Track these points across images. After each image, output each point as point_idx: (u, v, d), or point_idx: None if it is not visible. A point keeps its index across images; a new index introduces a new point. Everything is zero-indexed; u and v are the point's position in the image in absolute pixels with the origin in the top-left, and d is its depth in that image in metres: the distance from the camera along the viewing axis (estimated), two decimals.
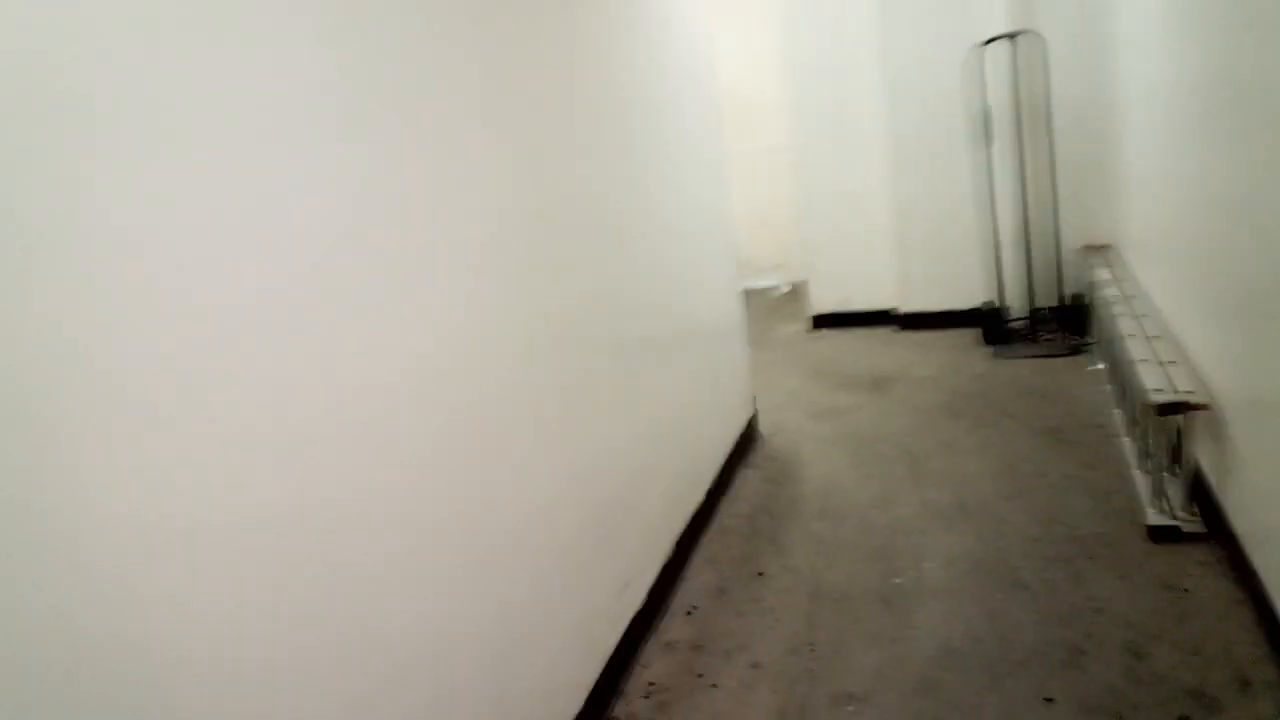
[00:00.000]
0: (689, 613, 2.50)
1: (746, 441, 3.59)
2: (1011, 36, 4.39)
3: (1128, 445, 3.09)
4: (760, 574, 2.65)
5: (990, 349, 4.52)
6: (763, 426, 3.84)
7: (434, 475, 1.52)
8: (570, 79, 2.19)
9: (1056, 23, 4.42)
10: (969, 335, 4.76)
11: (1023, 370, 4.15)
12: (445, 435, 1.56)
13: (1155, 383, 2.62)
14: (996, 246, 4.67)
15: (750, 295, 6.84)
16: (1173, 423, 2.62)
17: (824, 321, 5.43)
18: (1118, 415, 3.35)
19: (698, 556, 2.80)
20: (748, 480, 3.35)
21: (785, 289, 6.70)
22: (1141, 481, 2.80)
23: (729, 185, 3.62)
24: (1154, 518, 2.58)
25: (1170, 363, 2.76)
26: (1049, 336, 4.48)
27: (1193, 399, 2.48)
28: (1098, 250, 4.50)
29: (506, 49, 1.86)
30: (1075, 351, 4.26)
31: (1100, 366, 3.88)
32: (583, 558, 2.10)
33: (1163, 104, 3.19)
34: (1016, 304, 4.67)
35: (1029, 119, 4.49)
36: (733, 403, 3.56)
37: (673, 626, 2.45)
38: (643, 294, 2.67)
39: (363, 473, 1.32)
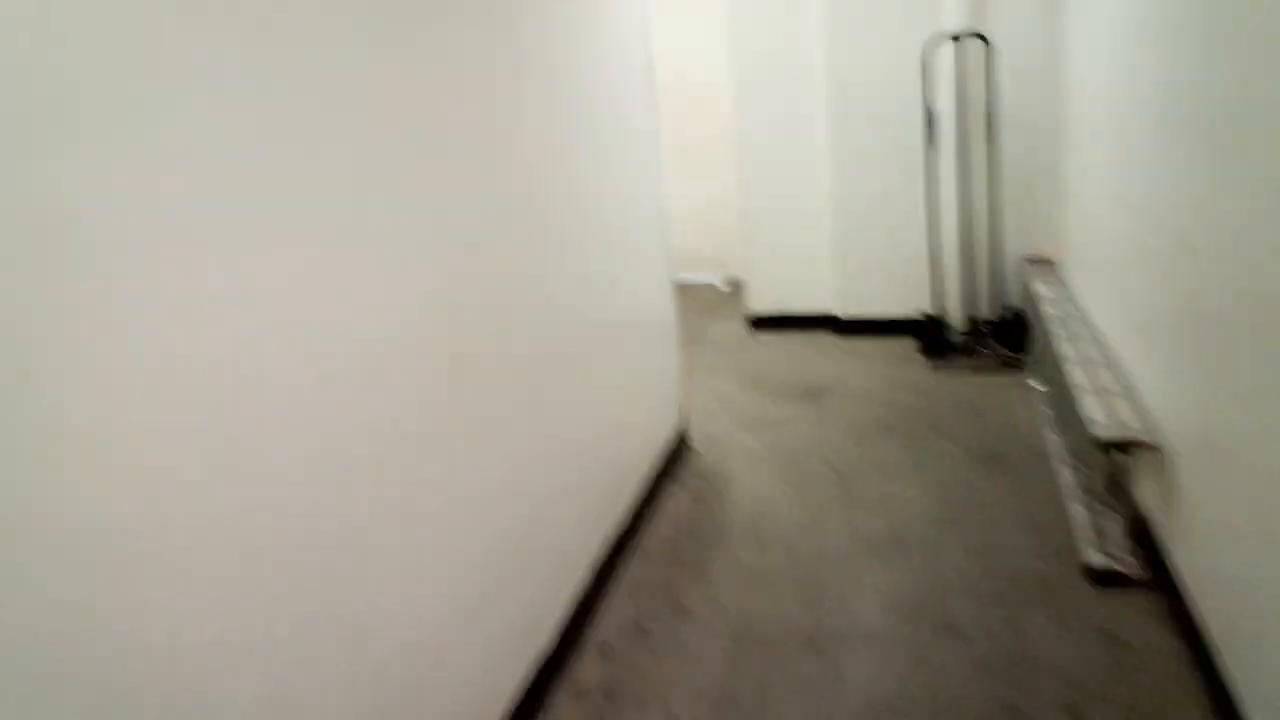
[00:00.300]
0: (604, 652, 2.30)
1: (675, 454, 3.41)
2: (957, 38, 4.25)
3: (1066, 475, 2.98)
4: (682, 608, 2.47)
5: (928, 361, 4.41)
6: (693, 437, 3.66)
7: (296, 511, 1.30)
8: (491, 57, 1.96)
9: (1007, 25, 4.29)
10: (908, 345, 4.64)
11: (960, 385, 4.05)
12: (312, 458, 1.34)
13: (1097, 414, 2.50)
14: (937, 255, 4.55)
15: (688, 291, 6.68)
16: (1115, 459, 2.51)
17: (761, 323, 5.27)
18: (1056, 440, 3.25)
19: (617, 585, 2.61)
20: (674, 498, 3.17)
21: (725, 287, 6.53)
22: (1080, 517, 2.69)
23: (663, 177, 3.41)
24: (1093, 558, 2.47)
25: (1113, 392, 2.65)
26: (987, 351, 4.38)
27: (1138, 436, 2.37)
28: (1041, 264, 4.42)
29: (426, 31, 1.63)
30: (1013, 368, 4.18)
31: (1039, 386, 3.79)
32: (483, 597, 1.89)
33: (1112, 116, 3.08)
34: (955, 315, 4.57)
35: (975, 124, 4.37)
36: (662, 413, 3.37)
37: (585, 668, 2.25)
38: (562, 291, 2.45)
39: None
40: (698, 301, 6.18)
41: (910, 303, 4.75)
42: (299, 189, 1.31)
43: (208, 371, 1.12)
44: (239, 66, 1.18)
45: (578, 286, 2.54)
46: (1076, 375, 2.85)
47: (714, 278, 6.74)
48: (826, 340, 4.94)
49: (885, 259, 4.83)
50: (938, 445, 3.41)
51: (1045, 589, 2.42)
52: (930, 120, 4.41)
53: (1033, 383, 3.90)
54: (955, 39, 4.25)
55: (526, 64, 2.17)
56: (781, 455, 3.45)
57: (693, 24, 6.51)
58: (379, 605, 1.52)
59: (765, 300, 5.25)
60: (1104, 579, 2.42)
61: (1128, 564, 2.43)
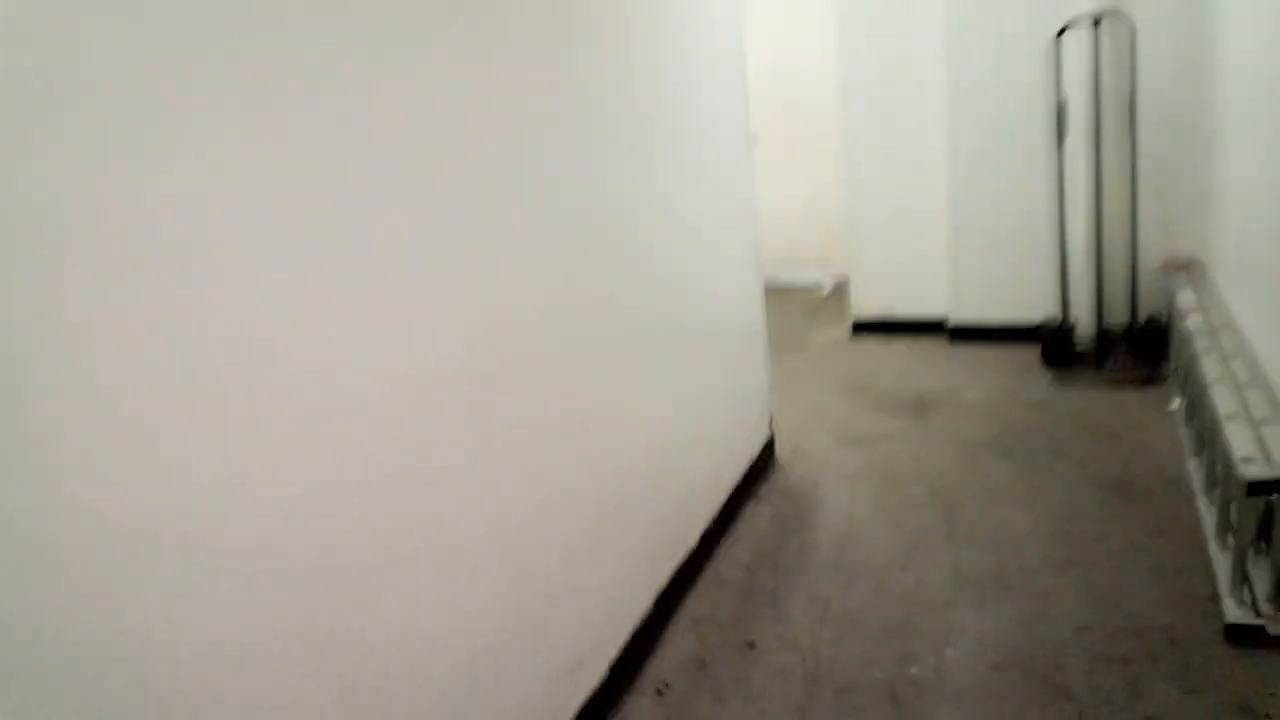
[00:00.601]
0: (660, 691, 2.11)
1: (759, 469, 3.18)
2: (1095, 21, 3.85)
3: (1205, 510, 2.60)
4: (751, 645, 2.25)
5: (1050, 373, 4.02)
6: (782, 451, 3.42)
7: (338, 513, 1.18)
8: (571, 57, 1.80)
9: (1148, 4, 3.86)
10: (1027, 355, 4.25)
11: (1086, 401, 3.65)
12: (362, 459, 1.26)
13: (1245, 448, 2.14)
14: (1064, 256, 4.14)
15: (789, 293, 6.40)
16: (1265, 500, 2.14)
17: (866, 328, 4.95)
18: (1195, 468, 2.86)
19: (682, 615, 2.40)
20: (755, 518, 2.94)
21: (828, 288, 6.22)
22: (1220, 561, 2.33)
23: (754, 172, 3.17)
24: (1233, 612, 2.11)
25: (1266, 421, 2.28)
26: (1118, 363, 3.96)
27: None
28: (1181, 267, 3.97)
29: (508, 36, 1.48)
30: (1147, 383, 3.75)
31: (1176, 405, 3.37)
32: (521, 630, 1.73)
33: (1271, 103, 2.68)
34: (1083, 323, 4.15)
35: (1110, 115, 3.95)
36: (746, 425, 3.15)
37: (638, 709, 2.06)
38: (641, 294, 2.30)
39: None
40: (800, 304, 5.90)
41: (1031, 308, 4.35)
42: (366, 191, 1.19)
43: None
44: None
45: (647, 289, 2.36)
46: (1222, 398, 2.48)
47: (819, 279, 6.43)
48: (936, 348, 4.59)
49: (1004, 260, 4.45)
50: (1058, 470, 3.06)
51: (1174, 647, 2.08)
52: (1060, 111, 4.01)
53: (1169, 401, 3.48)
54: (1096, 22, 3.85)
55: (598, 52, 2.00)
56: (879, 475, 3.16)
57: (802, 13, 6.22)
58: (392, 637, 1.37)
59: (871, 304, 4.93)
60: (1246, 639, 2.06)
61: (1274, 620, 2.07)
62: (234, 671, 1.09)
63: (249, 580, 1.10)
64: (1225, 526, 2.39)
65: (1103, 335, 4.09)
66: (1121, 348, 4.03)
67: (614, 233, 2.16)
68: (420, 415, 1.44)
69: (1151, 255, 4.05)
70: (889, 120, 4.66)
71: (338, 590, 1.26)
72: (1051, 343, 4.11)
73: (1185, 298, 3.54)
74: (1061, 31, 3.94)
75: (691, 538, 2.58)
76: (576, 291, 1.96)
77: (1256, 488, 2.04)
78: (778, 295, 6.37)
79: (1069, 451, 3.19)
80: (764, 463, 3.23)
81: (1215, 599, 2.20)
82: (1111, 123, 3.95)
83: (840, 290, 5.63)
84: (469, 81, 1.55)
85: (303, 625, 1.20)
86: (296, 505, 1.18)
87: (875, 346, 4.77)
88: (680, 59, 2.57)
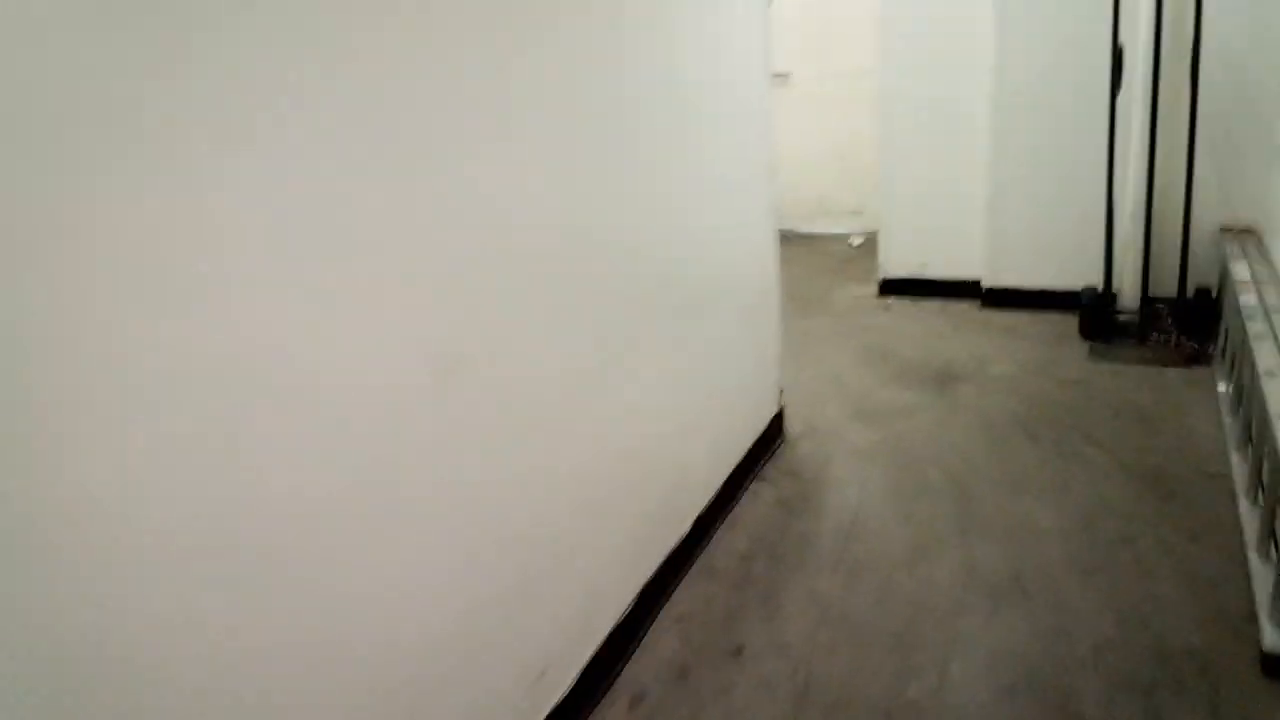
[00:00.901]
0: (634, 703, 1.95)
1: (765, 445, 2.98)
2: None
3: (1247, 514, 2.37)
4: (739, 651, 2.08)
5: (1088, 345, 3.75)
6: (792, 423, 3.22)
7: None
8: None
9: None
10: (1065, 323, 3.99)
11: (1125, 379, 3.40)
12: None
13: None
14: (1110, 218, 3.84)
15: (816, 244, 6.12)
16: None
17: (894, 287, 4.69)
18: (1238, 464, 2.62)
19: (668, 611, 2.24)
20: (757, 499, 2.75)
21: (859, 240, 5.94)
22: (1260, 575, 2.11)
23: (770, 114, 2.90)
24: (1271, 638, 1.90)
25: None
26: (1162, 338, 3.68)
27: None
28: (1238, 235, 3.66)
29: None
30: (1193, 361, 3.48)
31: (1225, 389, 3.11)
32: (480, 630, 1.57)
33: None
34: (1127, 292, 3.87)
35: (1170, 65, 3.60)
36: (753, 397, 2.95)
37: None
38: (637, 245, 2.10)
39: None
40: (827, 258, 5.64)
41: (1072, 274, 4.06)
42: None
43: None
44: None
45: (644, 239, 2.14)
46: (1275, 393, 2.23)
47: (850, 228, 6.15)
48: (969, 312, 4.33)
49: (1046, 221, 4.16)
50: (1088, 458, 2.83)
51: (1204, 673, 1.88)
52: (1115, 57, 3.67)
53: (1218, 384, 3.22)
54: None
55: None
56: (894, 456, 2.96)
57: None
58: (330, 636, 1.21)
59: (901, 262, 4.66)
60: None
61: None
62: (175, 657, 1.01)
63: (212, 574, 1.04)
64: (1268, 537, 2.16)
65: (1147, 306, 3.81)
66: (1167, 321, 3.75)
67: (605, 169, 1.94)
68: (386, 395, 1.27)
69: (1206, 222, 3.74)
70: (929, 62, 4.33)
71: (288, 579, 1.13)
72: (1090, 312, 3.84)
73: (1240, 270, 3.25)
74: None
75: (685, 523, 2.40)
76: (560, 238, 1.76)
77: None
78: (804, 246, 6.11)
79: (1101, 437, 2.96)
80: (771, 438, 3.04)
81: (1252, 619, 2.00)
82: (1170, 74, 3.60)
83: (871, 244, 5.35)
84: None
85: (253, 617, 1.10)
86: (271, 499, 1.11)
87: (903, 308, 4.52)
88: None
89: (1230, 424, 2.88)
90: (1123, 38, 3.64)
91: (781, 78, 6.26)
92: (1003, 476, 2.77)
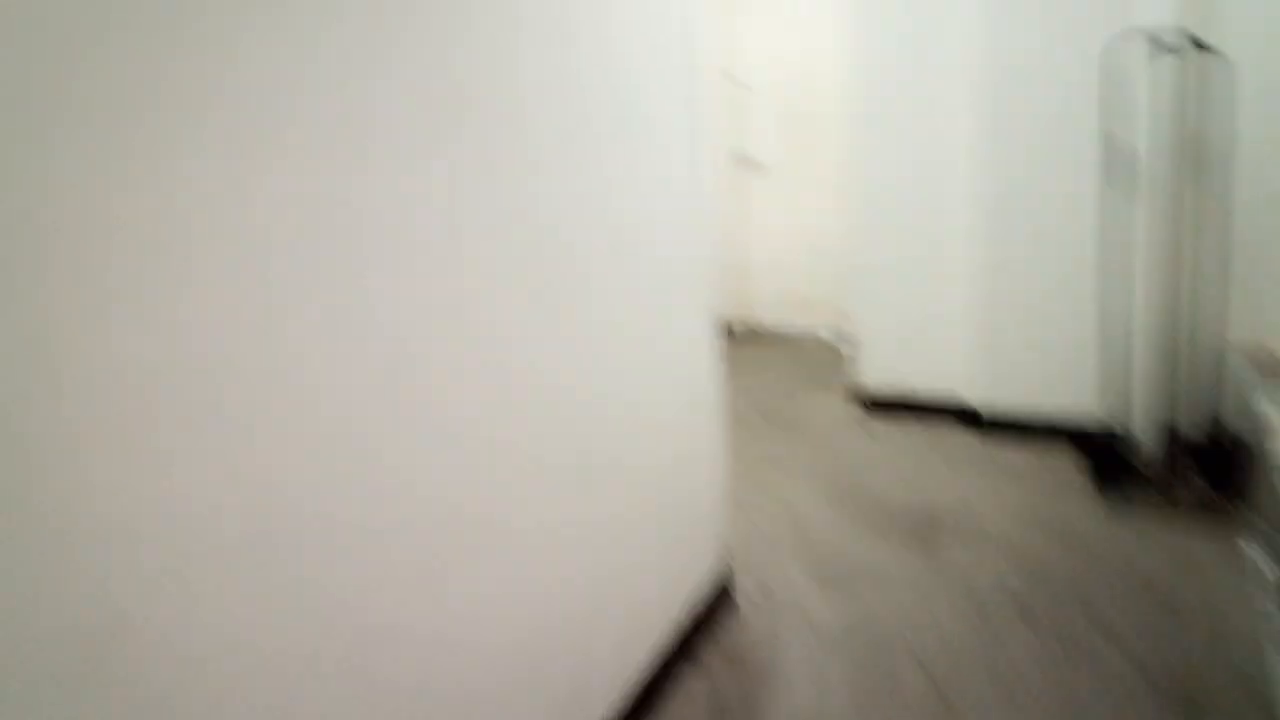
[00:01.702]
0: None
1: (703, 620, 2.41)
2: (1172, 48, 3.04)
3: None
4: None
5: (1098, 492, 3.21)
6: (742, 580, 2.65)
7: None
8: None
9: (1234, 25, 3.04)
10: (1069, 463, 3.45)
11: (1142, 544, 2.84)
12: None
13: None
14: (1119, 341, 3.33)
15: (789, 345, 5.62)
16: None
17: (873, 404, 4.17)
18: None
19: None
20: (688, 700, 2.17)
21: (836, 342, 5.43)
22: None
23: (711, 207, 2.42)
24: None
25: None
26: (1187, 490, 3.14)
27: None
28: (1274, 367, 3.14)
29: None
30: (1223, 521, 2.93)
31: (1262, 561, 2.56)
32: None
33: None
34: (1141, 430, 3.34)
35: (1192, 166, 3.13)
36: (686, 556, 2.39)
37: None
38: (527, 351, 1.56)
39: None
40: (800, 362, 5.13)
41: (1077, 400, 3.55)
42: None
43: None
44: None
45: (537, 343, 1.61)
46: None
47: (825, 328, 5.66)
48: (958, 440, 3.79)
49: (1044, 338, 3.65)
50: (1100, 656, 2.26)
51: None
52: (1116, 154, 3.20)
53: (1252, 552, 2.67)
54: (1163, 47, 3.04)
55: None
56: (862, 643, 2.38)
57: (808, 21, 5.49)
58: None
59: (880, 373, 4.15)
60: None
61: None
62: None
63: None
64: None
65: (1168, 449, 3.27)
66: (1190, 468, 3.21)
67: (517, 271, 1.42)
68: None
69: (1239, 349, 3.23)
70: (905, 146, 3.87)
71: None
72: (1100, 455, 3.30)
73: (1276, 410, 2.72)
74: (1117, 48, 3.13)
75: None
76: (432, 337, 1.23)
77: None
78: (778, 346, 5.61)
79: (1114, 625, 2.39)
80: (710, 610, 2.47)
81: None
82: (1195, 176, 3.13)
83: (850, 348, 4.85)
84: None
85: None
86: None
87: (883, 430, 3.98)
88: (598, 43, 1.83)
89: (1273, 614, 2.31)
90: (1124, 127, 3.18)
91: (758, 167, 5.85)
92: (991, 678, 2.19)
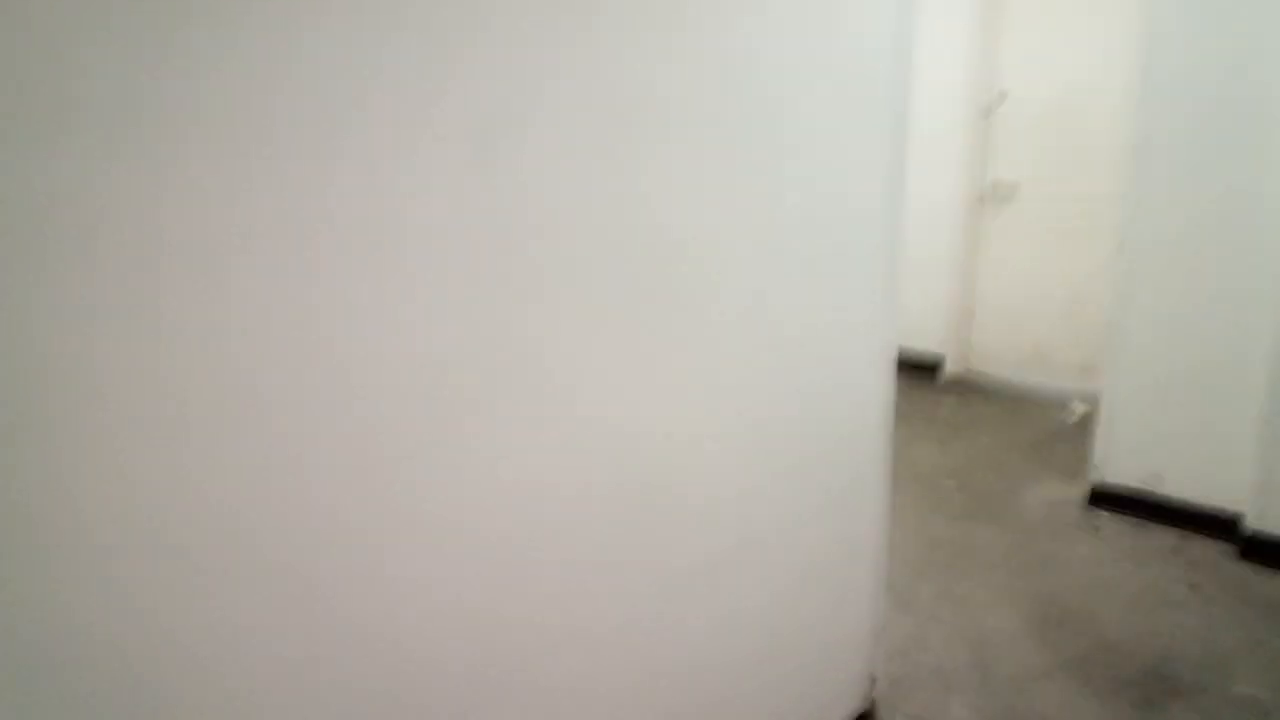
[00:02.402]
0: None
1: None
2: None
3: None
4: None
5: None
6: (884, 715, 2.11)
7: None
8: None
9: None
10: None
11: None
12: None
13: None
14: None
15: (1025, 407, 4.82)
16: None
17: (1111, 499, 3.39)
18: None
19: None
20: None
21: (1081, 410, 4.58)
22: None
23: (899, 253, 1.87)
24: None
25: None
26: None
27: None
28: None
29: None
30: None
31: None
32: None
33: None
34: None
35: None
36: (813, 688, 1.88)
37: None
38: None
39: None
40: (1030, 429, 4.36)
41: None
42: None
43: None
44: None
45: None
46: None
47: (1072, 392, 4.82)
48: (1214, 562, 2.98)
49: None
50: None
51: None
52: None
53: None
54: None
55: None
56: None
57: (1080, 35, 4.68)
58: None
59: (1124, 457, 3.37)
60: None
61: None
62: None
63: None
64: None
65: None
66: None
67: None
68: None
69: None
70: (1200, 187, 3.06)
71: None
72: None
73: None
74: None
75: None
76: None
77: None
78: (1008, 406, 4.84)
79: None
80: None
81: None
82: None
83: (1095, 418, 4.04)
84: None
85: None
86: None
87: (1118, 533, 3.21)
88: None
89: None
90: None
91: (1008, 189, 5.09)
92: None
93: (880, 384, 1.89)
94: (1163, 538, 3.15)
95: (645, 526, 1.36)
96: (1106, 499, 3.38)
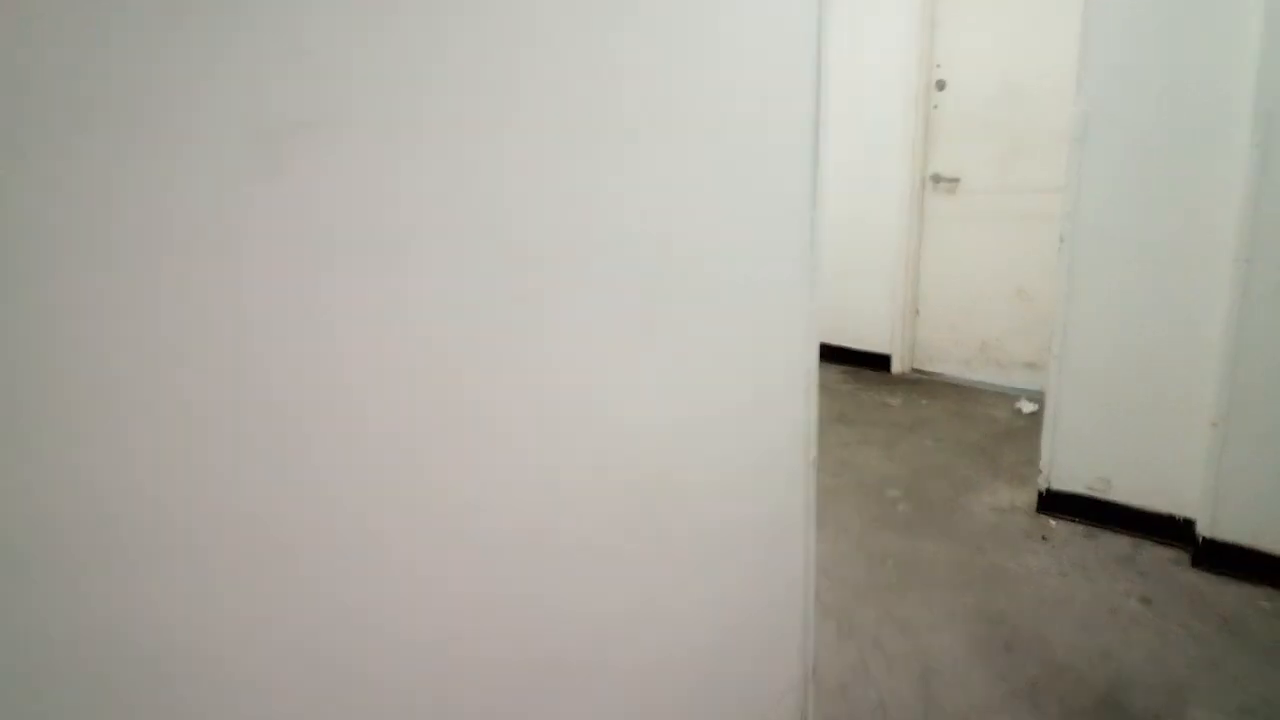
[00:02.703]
0: None
1: None
2: None
3: None
4: None
5: None
6: None
7: None
8: None
9: None
10: None
11: None
12: None
13: None
14: None
15: (976, 401, 4.70)
16: None
17: (1060, 503, 3.26)
18: None
19: None
20: None
21: (1031, 408, 4.47)
22: None
23: (820, 241, 1.67)
24: None
25: None
26: None
27: None
28: None
29: None
30: None
31: None
32: None
33: None
34: None
35: None
36: None
37: None
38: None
39: None
40: (978, 428, 4.23)
41: None
42: None
43: None
44: None
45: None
46: None
47: (1021, 388, 4.72)
48: (1168, 570, 2.85)
49: None
50: None
51: None
52: None
53: None
54: None
55: None
56: None
57: (1025, 22, 4.58)
58: None
59: (1074, 459, 3.24)
60: None
61: None
62: None
63: None
64: None
65: None
66: None
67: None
68: None
69: None
70: (1150, 178, 2.93)
71: None
72: None
73: None
74: None
75: None
76: None
77: None
78: (956, 402, 4.71)
79: None
80: None
81: None
82: None
83: (1041, 414, 3.91)
84: None
85: None
86: None
87: (1067, 539, 3.08)
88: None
89: None
90: None
91: (948, 184, 4.96)
92: None
93: (800, 401, 1.70)
94: (1114, 545, 3.01)
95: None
96: (1056, 504, 3.25)
